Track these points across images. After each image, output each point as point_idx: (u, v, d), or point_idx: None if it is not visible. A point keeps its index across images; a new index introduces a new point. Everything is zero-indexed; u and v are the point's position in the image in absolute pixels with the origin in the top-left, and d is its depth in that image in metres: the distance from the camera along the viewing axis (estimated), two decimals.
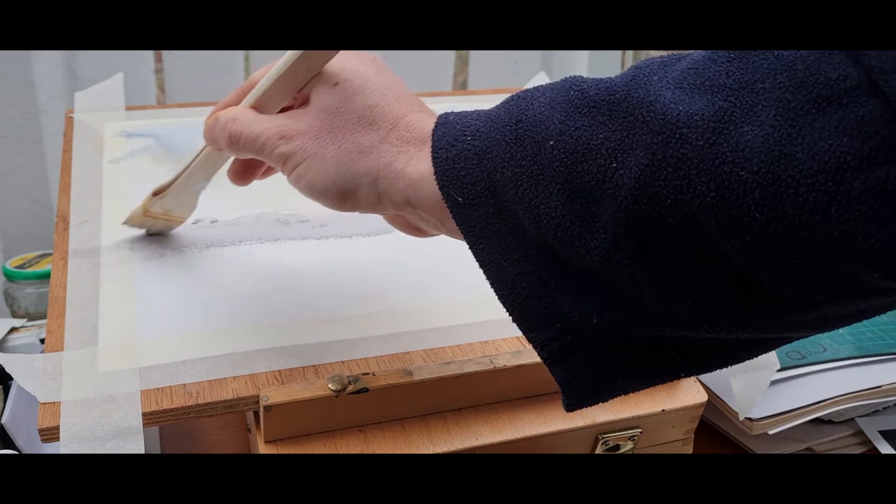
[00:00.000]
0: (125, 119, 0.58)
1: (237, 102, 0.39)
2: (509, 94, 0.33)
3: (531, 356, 0.42)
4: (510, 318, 0.32)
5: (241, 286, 0.44)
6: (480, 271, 0.48)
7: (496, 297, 0.32)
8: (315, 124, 0.35)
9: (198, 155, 0.43)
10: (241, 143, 0.37)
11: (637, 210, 0.26)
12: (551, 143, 0.28)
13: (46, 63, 0.78)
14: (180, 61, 0.85)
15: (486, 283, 0.46)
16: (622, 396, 0.44)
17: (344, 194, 0.34)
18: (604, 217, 0.27)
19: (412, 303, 0.45)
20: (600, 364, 0.31)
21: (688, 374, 0.32)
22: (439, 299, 0.45)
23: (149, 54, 0.84)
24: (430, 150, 0.32)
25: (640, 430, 0.44)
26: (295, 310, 0.43)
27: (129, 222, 0.47)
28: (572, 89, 0.29)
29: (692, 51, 0.29)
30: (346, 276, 0.46)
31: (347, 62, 0.36)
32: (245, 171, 0.42)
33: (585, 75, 0.31)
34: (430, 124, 0.34)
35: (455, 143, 0.31)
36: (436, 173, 0.31)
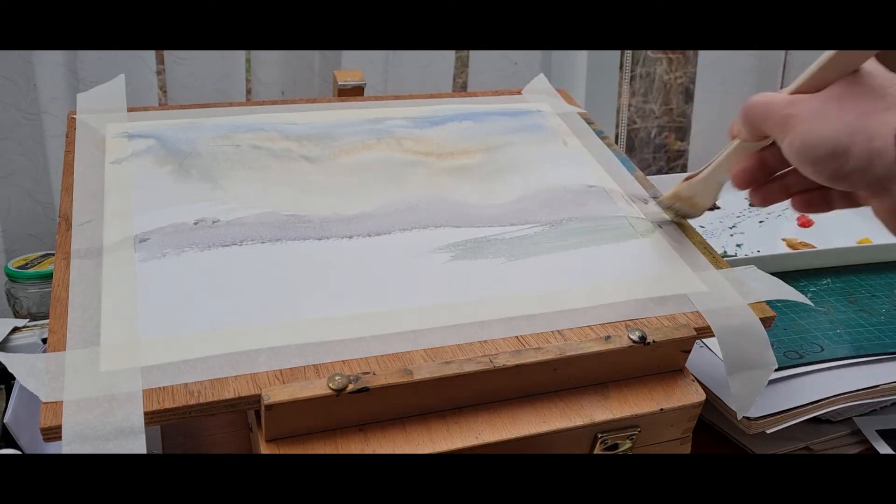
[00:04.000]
0: (127, 120, 0.59)
1: None
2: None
3: (531, 356, 0.42)
4: None
5: (242, 286, 0.45)
6: (479, 271, 0.48)
7: None
8: (825, 95, 0.37)
9: (724, 152, 0.46)
10: (752, 111, 0.40)
11: None
12: None
13: (48, 64, 0.78)
14: (182, 63, 0.85)
15: (486, 283, 0.47)
16: (621, 395, 0.45)
17: (835, 152, 0.35)
18: None
19: (412, 303, 0.45)
20: None
21: None
22: (439, 299, 0.45)
23: (150, 56, 0.84)
24: None
25: (638, 429, 0.44)
26: (296, 309, 0.43)
27: (661, 202, 0.54)
28: None
29: None
30: (347, 275, 0.46)
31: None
32: (749, 175, 0.44)
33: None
34: None
35: None
36: None
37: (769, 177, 0.44)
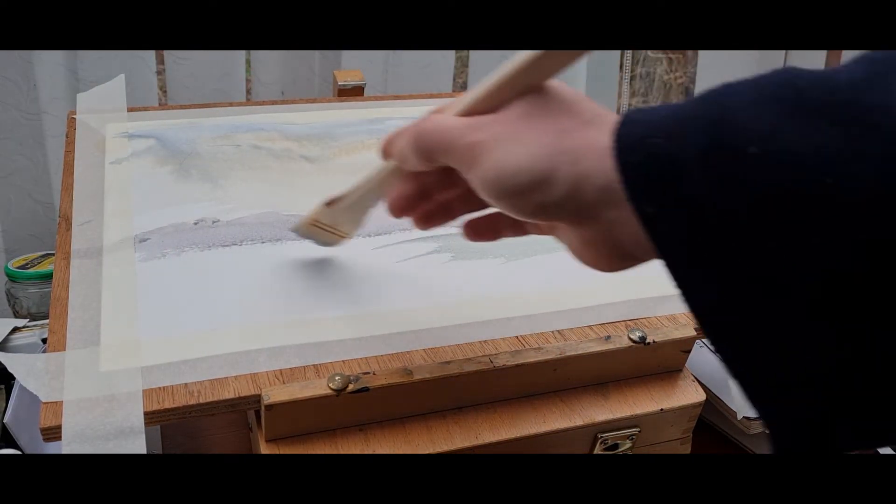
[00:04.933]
0: (127, 120, 0.59)
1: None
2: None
3: (531, 356, 0.42)
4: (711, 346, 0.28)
5: (242, 286, 0.45)
6: (479, 271, 0.48)
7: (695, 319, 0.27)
8: (512, 114, 0.32)
9: (375, 173, 0.39)
10: (427, 141, 0.33)
11: (868, 229, 0.22)
12: (752, 149, 0.24)
13: (48, 64, 0.78)
14: (182, 63, 0.85)
15: (485, 283, 0.47)
16: (621, 395, 0.45)
17: (536, 180, 0.30)
18: (818, 239, 0.23)
19: (412, 303, 0.45)
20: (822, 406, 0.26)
21: None
22: (439, 299, 0.45)
23: (150, 56, 0.84)
24: (612, 152, 0.28)
25: (638, 429, 0.44)
26: (296, 309, 0.43)
27: (297, 231, 0.46)
28: (785, 86, 0.25)
29: None
30: (347, 275, 0.46)
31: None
32: (408, 202, 0.38)
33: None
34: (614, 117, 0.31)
35: (640, 146, 0.27)
36: (623, 182, 0.27)
37: (428, 199, 0.38)
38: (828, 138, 0.23)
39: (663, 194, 0.26)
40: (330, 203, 0.43)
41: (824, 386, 0.25)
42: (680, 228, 0.26)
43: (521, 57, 0.32)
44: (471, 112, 0.33)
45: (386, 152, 0.37)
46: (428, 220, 0.38)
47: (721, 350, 0.27)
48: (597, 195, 0.29)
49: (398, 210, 0.38)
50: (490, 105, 0.33)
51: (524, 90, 0.32)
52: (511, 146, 0.31)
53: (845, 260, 0.23)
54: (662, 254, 0.27)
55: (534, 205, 0.31)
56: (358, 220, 0.43)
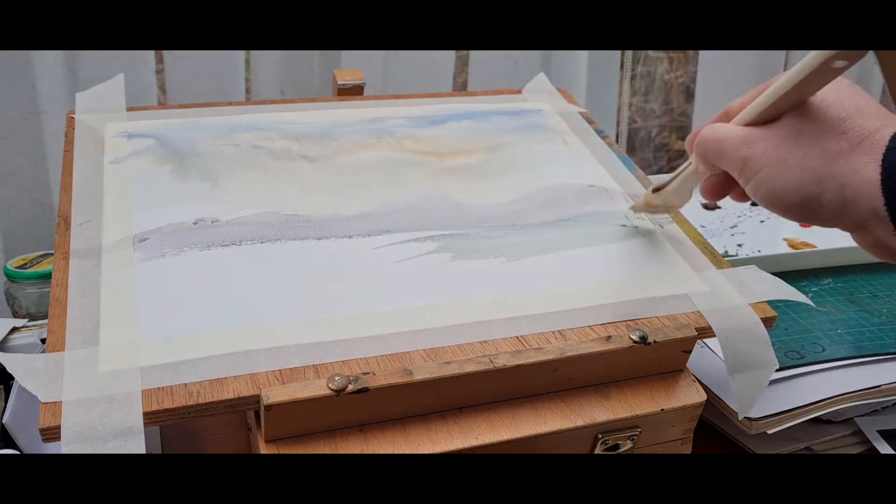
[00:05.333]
0: (126, 119, 0.58)
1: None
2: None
3: (531, 356, 0.42)
4: None
5: (241, 286, 0.44)
6: (479, 271, 0.48)
7: None
8: (780, 132, 0.35)
9: (686, 165, 0.45)
10: (705, 148, 0.38)
11: None
12: None
13: (47, 64, 0.78)
14: (181, 62, 0.85)
15: (486, 283, 0.47)
16: (622, 396, 0.45)
17: (806, 200, 0.34)
18: None
19: (412, 303, 0.45)
20: None
21: None
22: (439, 299, 0.45)
23: (150, 55, 0.84)
24: (880, 180, 0.31)
25: (639, 429, 0.44)
26: (295, 309, 0.43)
27: (635, 209, 0.54)
28: None
29: None
30: (346, 276, 0.46)
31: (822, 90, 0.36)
32: (719, 188, 0.42)
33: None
34: (890, 130, 0.33)
35: None
36: (886, 203, 0.30)
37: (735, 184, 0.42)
38: None
39: None
40: (657, 188, 0.50)
41: None
42: None
43: (792, 73, 0.35)
44: (751, 123, 0.37)
45: (689, 149, 0.42)
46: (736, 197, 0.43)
47: None
48: (864, 216, 0.33)
49: (711, 195, 0.43)
50: (767, 117, 0.37)
51: (794, 103, 0.36)
52: (780, 168, 0.34)
53: None
54: None
55: (804, 216, 0.35)
56: (684, 198, 0.49)
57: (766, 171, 0.35)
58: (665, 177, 0.49)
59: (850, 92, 0.36)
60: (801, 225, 0.78)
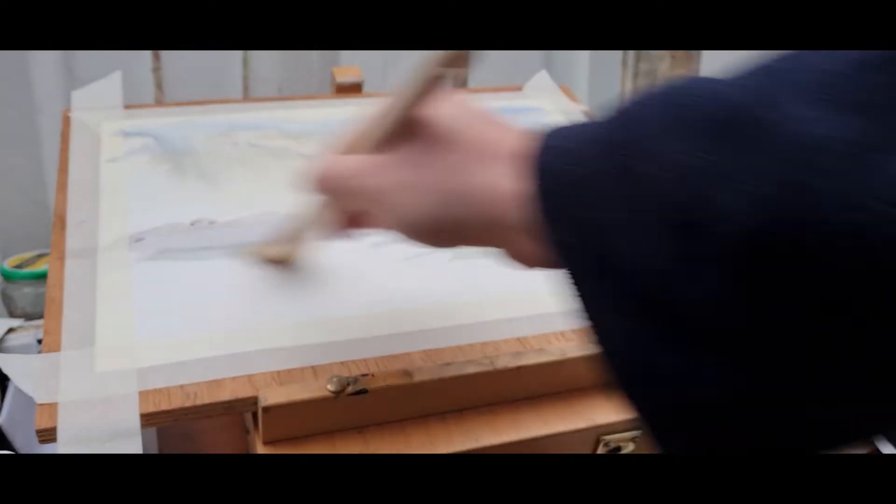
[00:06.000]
0: (123, 118, 0.58)
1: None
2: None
3: (531, 357, 0.41)
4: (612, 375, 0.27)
5: (239, 287, 0.44)
6: (479, 271, 0.48)
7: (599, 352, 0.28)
8: (404, 156, 0.33)
9: (312, 208, 0.41)
10: (328, 185, 0.35)
11: (748, 251, 0.22)
12: (653, 168, 0.24)
13: (44, 62, 0.77)
14: (178, 60, 0.85)
15: (486, 283, 0.46)
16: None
17: (437, 226, 0.31)
18: (705, 260, 0.23)
19: (412, 303, 0.45)
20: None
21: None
22: (439, 299, 0.45)
23: (147, 53, 0.84)
24: (533, 178, 0.28)
25: (641, 431, 0.44)
26: (294, 310, 0.43)
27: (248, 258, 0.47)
28: (683, 103, 0.25)
29: (827, 51, 0.25)
30: (346, 276, 0.46)
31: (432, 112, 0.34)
32: (349, 224, 0.39)
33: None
34: (515, 141, 0.31)
35: (561, 172, 0.27)
36: (542, 210, 0.28)
37: (363, 219, 0.39)
38: (717, 154, 0.23)
39: (575, 222, 0.27)
40: (273, 241, 0.44)
41: None
42: (585, 257, 0.27)
43: (399, 93, 0.33)
44: (361, 150, 0.34)
45: (306, 189, 0.37)
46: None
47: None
48: (509, 232, 0.30)
49: (340, 232, 0.39)
50: (383, 143, 0.34)
51: (408, 123, 0.33)
52: (407, 196, 0.32)
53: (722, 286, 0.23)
54: (572, 280, 0.28)
55: (446, 241, 0.32)
56: (303, 246, 0.44)
57: (395, 200, 0.32)
58: (271, 238, 0.44)
59: (457, 103, 0.34)
60: None
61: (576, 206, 0.27)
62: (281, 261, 0.45)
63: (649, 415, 0.27)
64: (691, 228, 0.23)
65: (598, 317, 0.27)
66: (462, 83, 1.06)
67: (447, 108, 0.33)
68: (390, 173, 0.33)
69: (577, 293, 0.28)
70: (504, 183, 0.30)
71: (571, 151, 0.27)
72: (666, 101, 0.26)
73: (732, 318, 0.23)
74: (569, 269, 0.28)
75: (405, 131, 0.34)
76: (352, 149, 0.35)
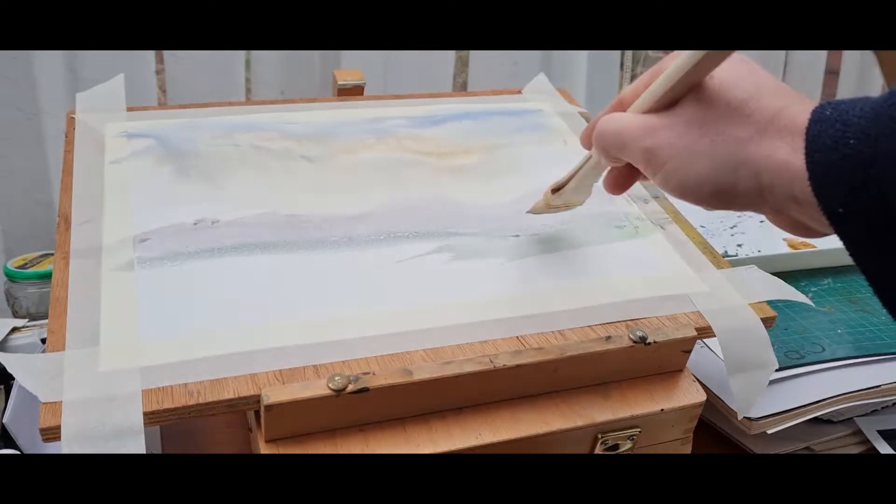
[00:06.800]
0: (126, 120, 0.59)
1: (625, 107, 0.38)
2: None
3: (531, 356, 0.42)
4: None
5: (241, 286, 0.44)
6: (479, 271, 0.48)
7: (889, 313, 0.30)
8: (682, 119, 0.33)
9: (587, 159, 0.44)
10: (605, 140, 0.37)
11: None
12: None
13: (48, 64, 0.78)
14: (181, 62, 0.85)
15: (486, 283, 0.47)
16: (622, 396, 0.45)
17: (721, 190, 0.32)
18: None
19: (412, 303, 0.45)
20: None
21: None
22: (439, 299, 0.45)
23: (150, 55, 0.84)
24: (804, 153, 0.29)
25: (639, 429, 0.44)
26: (295, 309, 0.43)
27: (534, 211, 0.51)
28: None
29: None
30: (347, 275, 0.46)
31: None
32: (622, 181, 0.41)
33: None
34: (794, 112, 0.31)
35: (835, 147, 0.28)
36: (811, 180, 0.29)
37: (638, 173, 0.41)
38: None
39: (855, 194, 0.28)
40: (555, 190, 0.48)
41: None
42: (870, 226, 0.28)
43: (686, 55, 0.34)
44: (649, 110, 0.35)
45: (585, 145, 0.41)
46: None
47: None
48: (780, 202, 0.32)
49: (614, 188, 0.42)
50: (664, 103, 0.35)
51: (691, 86, 0.34)
52: (688, 158, 0.33)
53: None
54: (851, 249, 0.29)
55: (719, 205, 0.33)
56: (586, 193, 0.48)
57: (673, 162, 0.33)
58: (563, 175, 0.47)
59: (746, 70, 0.34)
60: None
61: (857, 179, 0.28)
62: (564, 208, 0.50)
63: None
64: None
65: (890, 272, 0.29)
66: (462, 86, 1.06)
67: (727, 73, 0.34)
68: (665, 136, 0.34)
69: (862, 256, 0.29)
70: (779, 155, 0.31)
71: (851, 125, 0.28)
72: None
73: None
74: (850, 237, 0.29)
75: (686, 93, 0.34)
76: (632, 106, 0.37)
